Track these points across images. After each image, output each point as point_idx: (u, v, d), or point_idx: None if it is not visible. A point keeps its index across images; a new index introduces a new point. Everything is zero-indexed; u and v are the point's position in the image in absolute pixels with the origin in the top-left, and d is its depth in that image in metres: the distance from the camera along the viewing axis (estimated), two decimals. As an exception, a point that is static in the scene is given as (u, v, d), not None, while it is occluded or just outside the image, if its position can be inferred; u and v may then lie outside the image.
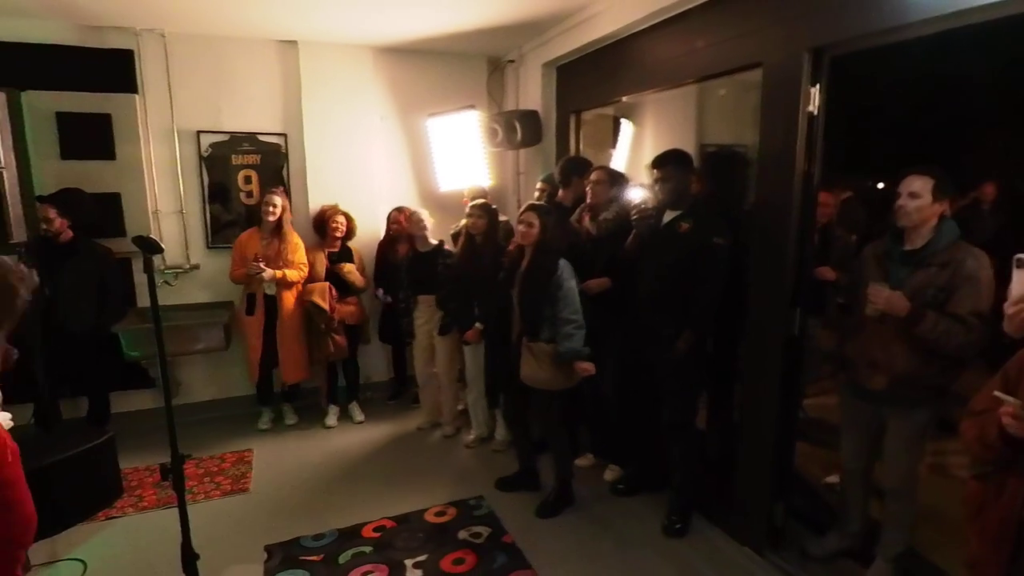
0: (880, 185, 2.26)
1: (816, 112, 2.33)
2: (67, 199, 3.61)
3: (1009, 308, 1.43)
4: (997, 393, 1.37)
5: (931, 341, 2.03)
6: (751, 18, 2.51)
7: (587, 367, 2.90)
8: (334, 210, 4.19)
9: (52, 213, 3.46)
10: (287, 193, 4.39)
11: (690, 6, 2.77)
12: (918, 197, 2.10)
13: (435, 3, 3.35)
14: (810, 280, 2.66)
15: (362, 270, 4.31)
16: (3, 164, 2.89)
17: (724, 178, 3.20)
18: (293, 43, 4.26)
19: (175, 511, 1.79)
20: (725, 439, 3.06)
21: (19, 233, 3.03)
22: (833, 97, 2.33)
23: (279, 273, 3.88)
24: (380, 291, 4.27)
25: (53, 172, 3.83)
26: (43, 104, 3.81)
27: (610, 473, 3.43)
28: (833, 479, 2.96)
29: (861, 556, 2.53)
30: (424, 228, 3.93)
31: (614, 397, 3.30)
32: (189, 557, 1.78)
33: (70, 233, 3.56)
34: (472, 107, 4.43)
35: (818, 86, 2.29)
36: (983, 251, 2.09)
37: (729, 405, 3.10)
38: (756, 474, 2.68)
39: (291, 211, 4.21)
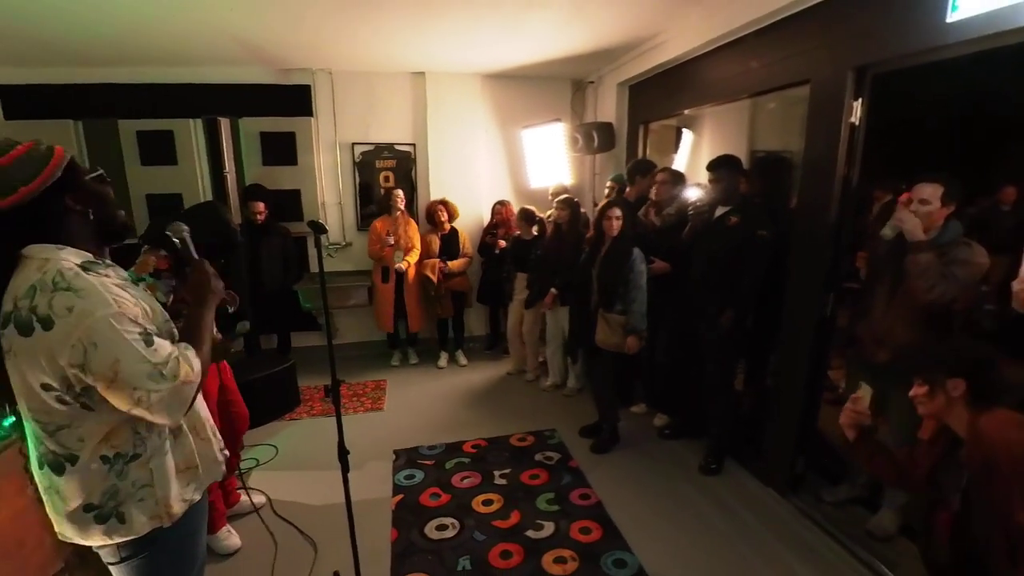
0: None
1: (857, 123, 2.15)
2: (263, 193, 3.92)
3: (1017, 285, 1.32)
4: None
5: (920, 273, 1.89)
6: (801, 40, 2.33)
7: (632, 343, 2.86)
8: (434, 202, 4.31)
9: (261, 207, 3.79)
10: (414, 190, 4.59)
11: (746, 32, 2.61)
12: (928, 203, 1.92)
13: (531, 38, 3.35)
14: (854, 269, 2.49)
15: (467, 245, 4.40)
16: (228, 169, 3.25)
17: (771, 179, 3.01)
18: (422, 74, 4.37)
19: (333, 419, 1.82)
20: (758, 399, 2.95)
21: (236, 217, 3.42)
22: (879, 109, 2.14)
23: (404, 264, 4.05)
24: (502, 242, 4.25)
25: (257, 175, 4.21)
26: (251, 127, 4.17)
27: (659, 420, 3.41)
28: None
29: (869, 504, 2.40)
30: (530, 228, 3.96)
31: (665, 359, 3.25)
32: (342, 452, 1.86)
33: (265, 216, 3.85)
34: (558, 120, 4.41)
35: (860, 100, 2.12)
36: (981, 246, 1.91)
37: (763, 372, 2.97)
38: (783, 429, 2.59)
39: (416, 203, 4.46)
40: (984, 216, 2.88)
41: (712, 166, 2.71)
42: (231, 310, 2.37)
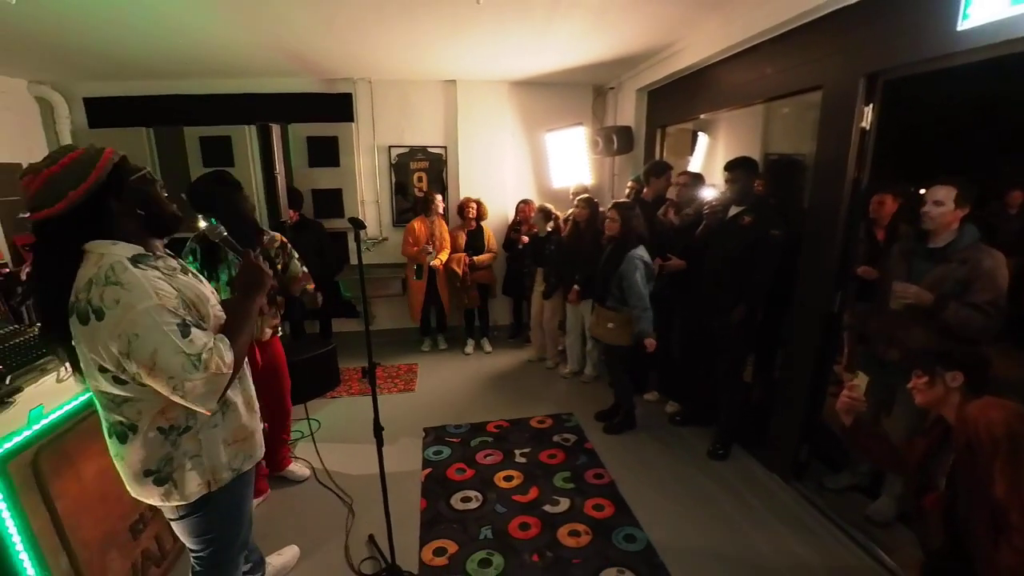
0: (923, 191, 1.98)
1: (868, 128, 2.09)
2: (295, 198, 3.88)
3: None
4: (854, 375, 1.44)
5: (954, 326, 1.80)
6: (814, 48, 2.27)
7: (650, 343, 2.84)
8: (468, 199, 4.34)
9: (292, 213, 3.83)
10: (444, 189, 4.65)
11: (761, 40, 2.55)
12: (942, 204, 1.85)
13: (556, 47, 3.34)
14: (854, 274, 2.44)
15: (492, 241, 4.44)
16: (278, 171, 3.35)
17: (783, 181, 2.94)
18: (453, 82, 4.41)
19: (369, 398, 1.86)
20: (766, 390, 2.91)
21: (284, 214, 3.54)
22: (890, 114, 2.07)
23: (437, 262, 4.10)
24: (525, 238, 4.20)
25: (304, 176, 4.34)
26: (299, 131, 4.28)
27: (670, 407, 3.40)
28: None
29: (868, 491, 2.37)
30: (545, 224, 3.96)
31: (678, 350, 3.24)
32: (377, 428, 1.88)
33: (297, 217, 3.90)
34: (580, 124, 4.39)
35: (871, 105, 2.06)
36: (998, 250, 1.82)
37: (771, 365, 2.92)
38: (789, 419, 2.56)
39: (446, 202, 4.47)
40: (992, 220, 2.75)
41: (729, 167, 2.68)
42: (317, 298, 2.39)
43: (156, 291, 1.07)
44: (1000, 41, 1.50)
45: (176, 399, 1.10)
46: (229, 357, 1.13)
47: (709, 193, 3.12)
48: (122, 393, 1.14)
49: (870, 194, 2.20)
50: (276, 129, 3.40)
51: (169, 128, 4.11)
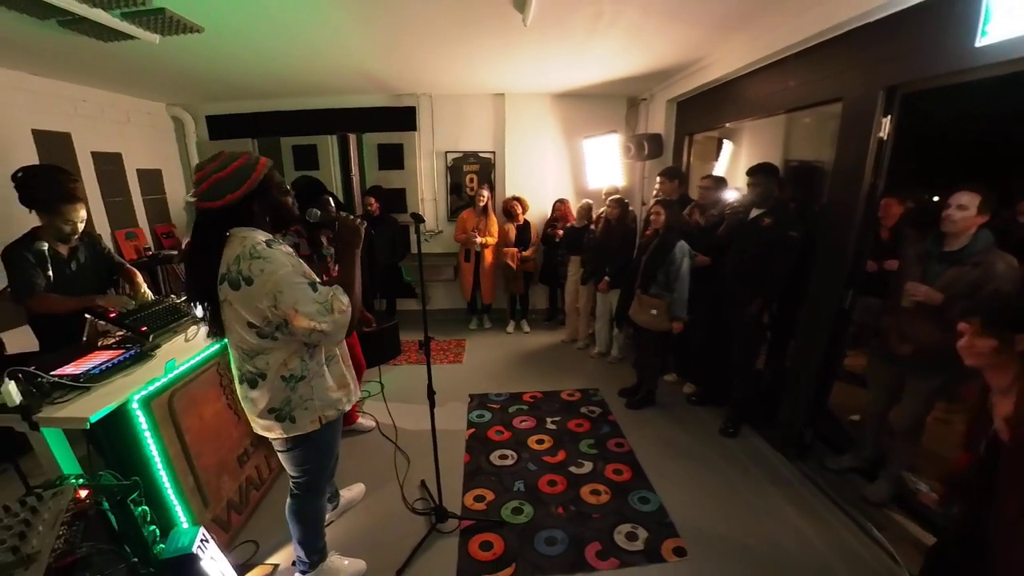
0: (935, 198, 1.85)
1: (886, 138, 1.98)
2: (376, 192, 4.21)
3: None
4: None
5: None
6: (835, 62, 2.15)
7: (678, 326, 2.83)
8: (511, 199, 4.38)
9: (373, 201, 4.09)
10: (492, 189, 4.72)
11: (785, 55, 2.44)
12: (965, 209, 1.74)
13: (594, 63, 3.31)
14: (879, 269, 2.30)
15: (536, 235, 4.48)
16: (354, 173, 3.54)
17: (802, 186, 2.80)
18: (501, 95, 4.44)
19: (424, 367, 1.92)
20: (776, 377, 2.84)
21: (360, 208, 3.74)
22: (907, 125, 1.95)
23: (481, 239, 4.21)
24: (560, 231, 4.25)
25: (375, 177, 4.51)
26: (372, 140, 4.45)
27: (687, 388, 3.37)
28: (856, 417, 2.63)
29: (867, 474, 2.29)
30: (583, 217, 4.02)
31: (698, 337, 3.19)
32: (431, 392, 1.95)
33: (378, 209, 4.11)
34: (614, 131, 4.31)
35: (889, 117, 1.94)
36: (1012, 256, 1.70)
37: (783, 354, 2.84)
38: (796, 404, 2.50)
39: (493, 200, 4.52)
40: (1003, 227, 2.50)
41: (751, 172, 2.60)
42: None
43: (289, 261, 1.26)
44: (1017, 57, 1.39)
45: (315, 338, 1.27)
46: (345, 299, 1.29)
47: (732, 195, 3.03)
48: (259, 346, 1.31)
49: (880, 198, 2.08)
50: (352, 138, 3.59)
51: (269, 138, 4.41)
